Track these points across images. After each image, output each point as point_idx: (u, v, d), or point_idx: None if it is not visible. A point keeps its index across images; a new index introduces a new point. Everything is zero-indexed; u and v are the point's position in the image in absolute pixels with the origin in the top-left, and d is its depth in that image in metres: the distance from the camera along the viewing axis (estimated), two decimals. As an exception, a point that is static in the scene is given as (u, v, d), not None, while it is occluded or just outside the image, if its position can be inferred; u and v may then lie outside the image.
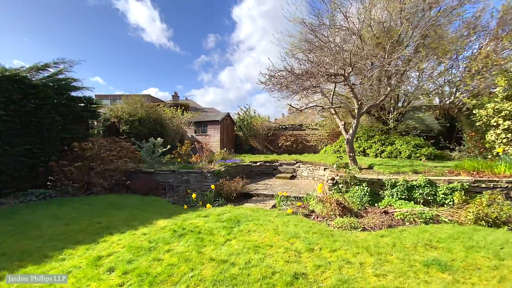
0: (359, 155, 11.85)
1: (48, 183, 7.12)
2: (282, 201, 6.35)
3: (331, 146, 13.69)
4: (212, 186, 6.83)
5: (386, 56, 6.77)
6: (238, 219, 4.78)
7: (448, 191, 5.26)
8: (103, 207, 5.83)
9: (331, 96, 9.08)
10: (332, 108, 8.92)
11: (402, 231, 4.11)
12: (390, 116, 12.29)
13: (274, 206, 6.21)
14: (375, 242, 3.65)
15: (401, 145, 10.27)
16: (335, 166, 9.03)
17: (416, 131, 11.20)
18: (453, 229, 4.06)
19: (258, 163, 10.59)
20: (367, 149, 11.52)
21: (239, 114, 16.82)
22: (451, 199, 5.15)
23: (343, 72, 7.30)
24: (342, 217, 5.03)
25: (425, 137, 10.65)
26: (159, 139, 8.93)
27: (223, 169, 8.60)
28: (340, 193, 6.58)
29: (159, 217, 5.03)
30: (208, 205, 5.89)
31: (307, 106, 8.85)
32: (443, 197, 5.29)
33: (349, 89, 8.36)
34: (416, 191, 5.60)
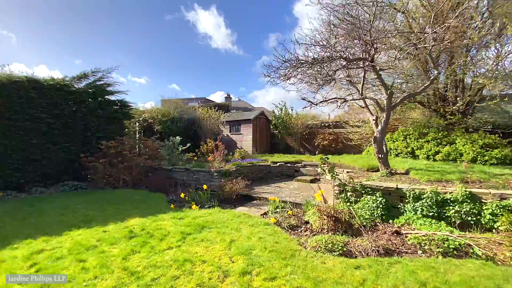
0: (405, 157, 9.71)
1: (82, 176, 8.19)
2: (277, 207, 5.57)
3: (374, 146, 11.67)
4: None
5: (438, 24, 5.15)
6: (204, 225, 4.33)
7: (498, 210, 3.57)
8: (110, 200, 6.27)
9: (361, 85, 7.67)
10: (359, 99, 7.49)
11: (394, 263, 2.92)
12: (453, 108, 9.67)
13: (265, 213, 5.49)
14: (338, 275, 2.65)
15: (463, 145, 7.90)
16: (356, 168, 7.65)
17: (487, 126, 8.42)
18: (479, 270, 2.64)
19: (278, 164, 9.82)
20: (417, 149, 9.33)
21: (274, 112, 16.15)
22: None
23: (367, 55, 5.97)
24: (334, 233, 4.04)
25: (500, 135, 7.88)
26: (177, 137, 9.26)
27: (234, 169, 8.25)
28: (349, 203, 5.38)
29: (137, 215, 5.03)
30: (193, 206, 5.62)
31: (325, 100, 7.64)
32: (490, 219, 3.64)
33: (375, 75, 6.83)
34: (450, 207, 4.04)
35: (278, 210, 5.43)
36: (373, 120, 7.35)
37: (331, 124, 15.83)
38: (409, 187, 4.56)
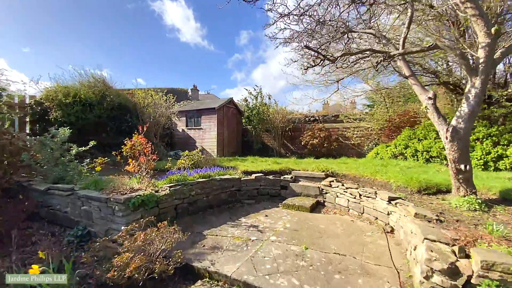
0: (444, 163, 6.47)
1: None
2: None
3: (388, 147, 8.37)
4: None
5: None
6: None
7: None
8: None
9: (403, 36, 4.16)
10: (403, 54, 3.94)
11: None
12: (508, 92, 6.67)
13: None
14: None
15: None
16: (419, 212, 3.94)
17: None
18: None
19: (253, 176, 5.89)
20: (488, 154, 6.08)
21: (246, 101, 12.25)
22: None
23: None
24: None
25: None
26: (62, 130, 4.87)
27: (168, 192, 4.16)
28: None
29: None
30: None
31: (348, 52, 3.90)
32: None
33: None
34: None
35: None
36: (428, 99, 3.80)
37: (320, 118, 12.37)
38: None
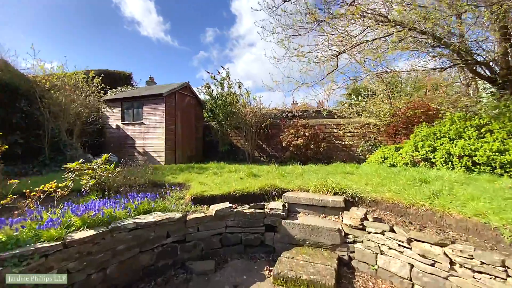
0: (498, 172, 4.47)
1: None
2: None
3: (400, 149, 6.17)
4: None
5: None
6: None
7: None
8: None
9: None
10: None
11: None
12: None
13: None
14: None
15: None
16: None
17: None
18: None
19: (213, 210, 3.05)
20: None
21: (209, 88, 9.29)
22: None
23: None
24: None
25: None
26: None
27: None
28: None
29: None
30: None
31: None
32: None
33: None
34: None
35: None
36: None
37: (299, 114, 9.98)
38: None
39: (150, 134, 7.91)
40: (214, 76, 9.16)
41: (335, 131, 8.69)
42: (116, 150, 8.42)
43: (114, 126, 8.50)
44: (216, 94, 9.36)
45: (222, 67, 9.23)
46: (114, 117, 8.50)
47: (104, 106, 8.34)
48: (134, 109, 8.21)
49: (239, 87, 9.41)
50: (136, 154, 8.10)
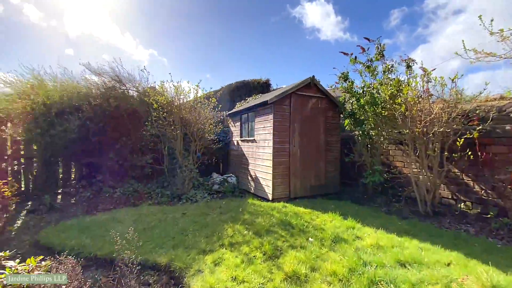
0: None
1: None
2: None
3: None
4: None
5: None
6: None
7: None
8: None
9: None
10: None
11: None
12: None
13: None
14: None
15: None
16: None
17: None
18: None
19: None
20: None
21: (345, 79, 5.62)
22: None
23: None
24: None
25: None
26: None
27: None
28: None
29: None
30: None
31: None
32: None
33: None
34: None
35: None
36: None
37: None
38: None
39: (260, 153, 6.02)
40: (355, 58, 5.57)
41: None
42: (236, 169, 7.42)
43: (235, 143, 7.57)
44: (361, 87, 5.73)
45: (368, 39, 5.41)
46: (235, 133, 7.58)
47: (228, 120, 7.61)
48: (248, 123, 6.74)
49: (409, 66, 5.10)
50: (249, 177, 6.57)
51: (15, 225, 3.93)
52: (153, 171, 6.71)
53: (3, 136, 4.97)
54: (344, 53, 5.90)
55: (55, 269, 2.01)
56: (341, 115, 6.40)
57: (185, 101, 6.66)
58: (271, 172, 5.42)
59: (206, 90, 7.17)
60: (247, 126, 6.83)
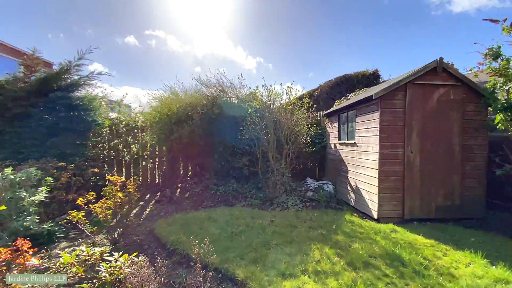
0: None
1: None
2: None
3: None
4: None
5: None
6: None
7: None
8: None
9: None
10: None
11: None
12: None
13: None
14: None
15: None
16: None
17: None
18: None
19: None
20: None
21: (497, 57, 3.65)
22: None
23: None
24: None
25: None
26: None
27: None
28: None
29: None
30: None
31: None
32: None
33: None
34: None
35: None
36: None
37: None
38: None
39: (362, 160, 5.03)
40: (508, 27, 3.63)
41: None
42: (333, 176, 6.64)
43: (332, 146, 6.77)
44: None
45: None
46: (333, 135, 6.78)
47: (325, 121, 6.92)
48: (348, 123, 5.82)
49: None
50: (348, 187, 5.68)
51: (144, 213, 5.03)
52: (250, 173, 7.02)
53: (143, 141, 6.63)
54: (492, 20, 4.04)
55: (146, 268, 2.21)
56: (489, 109, 4.43)
57: (278, 104, 6.61)
58: (377, 185, 4.39)
59: (303, 89, 6.85)
60: (346, 127, 5.94)
